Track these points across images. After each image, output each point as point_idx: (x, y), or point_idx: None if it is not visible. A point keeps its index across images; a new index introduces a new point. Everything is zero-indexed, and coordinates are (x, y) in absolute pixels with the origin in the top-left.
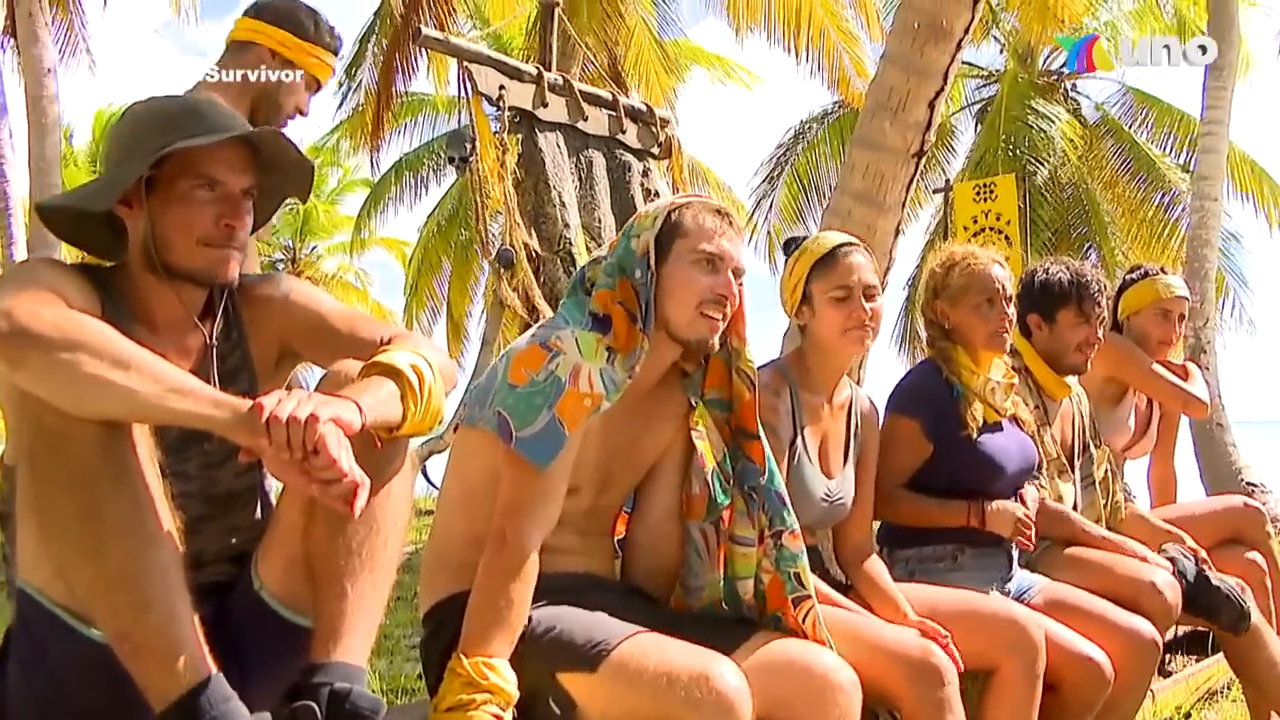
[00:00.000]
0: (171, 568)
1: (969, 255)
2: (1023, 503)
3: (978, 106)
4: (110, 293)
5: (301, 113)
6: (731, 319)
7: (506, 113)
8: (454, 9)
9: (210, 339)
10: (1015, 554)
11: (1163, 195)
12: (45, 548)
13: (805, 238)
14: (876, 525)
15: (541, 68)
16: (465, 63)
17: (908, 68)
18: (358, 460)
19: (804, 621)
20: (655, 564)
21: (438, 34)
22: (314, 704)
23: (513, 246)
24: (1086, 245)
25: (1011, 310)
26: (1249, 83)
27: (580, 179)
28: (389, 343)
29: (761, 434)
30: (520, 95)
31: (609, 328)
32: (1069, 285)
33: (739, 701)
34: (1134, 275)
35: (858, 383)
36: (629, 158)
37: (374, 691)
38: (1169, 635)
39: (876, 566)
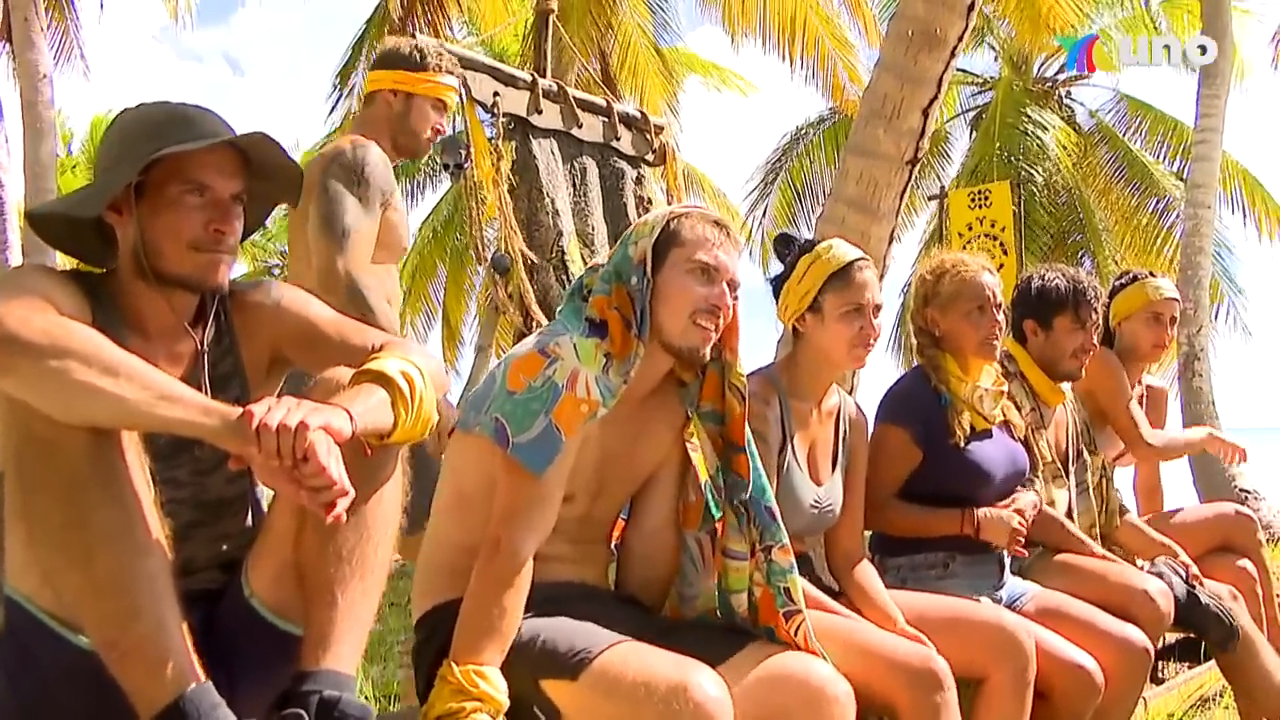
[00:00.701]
0: (160, 575)
1: (959, 263)
2: (1019, 509)
3: (972, 114)
4: (101, 299)
5: (439, 131)
6: (725, 332)
7: (501, 119)
8: (448, 15)
9: (201, 345)
10: (1007, 561)
11: (1157, 202)
12: (33, 555)
13: (796, 237)
14: (868, 533)
15: (536, 74)
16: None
17: (902, 75)
18: (348, 468)
19: (795, 634)
20: (650, 572)
21: (433, 41)
22: (303, 712)
23: (508, 253)
24: (1081, 252)
25: (1001, 317)
26: (1243, 90)
27: (574, 186)
28: (380, 350)
29: (750, 448)
30: (515, 102)
31: (605, 333)
32: (1065, 292)
33: (717, 712)
34: (1123, 280)
35: (851, 390)
36: (622, 165)
37: (365, 697)
38: (1161, 642)
39: (867, 573)
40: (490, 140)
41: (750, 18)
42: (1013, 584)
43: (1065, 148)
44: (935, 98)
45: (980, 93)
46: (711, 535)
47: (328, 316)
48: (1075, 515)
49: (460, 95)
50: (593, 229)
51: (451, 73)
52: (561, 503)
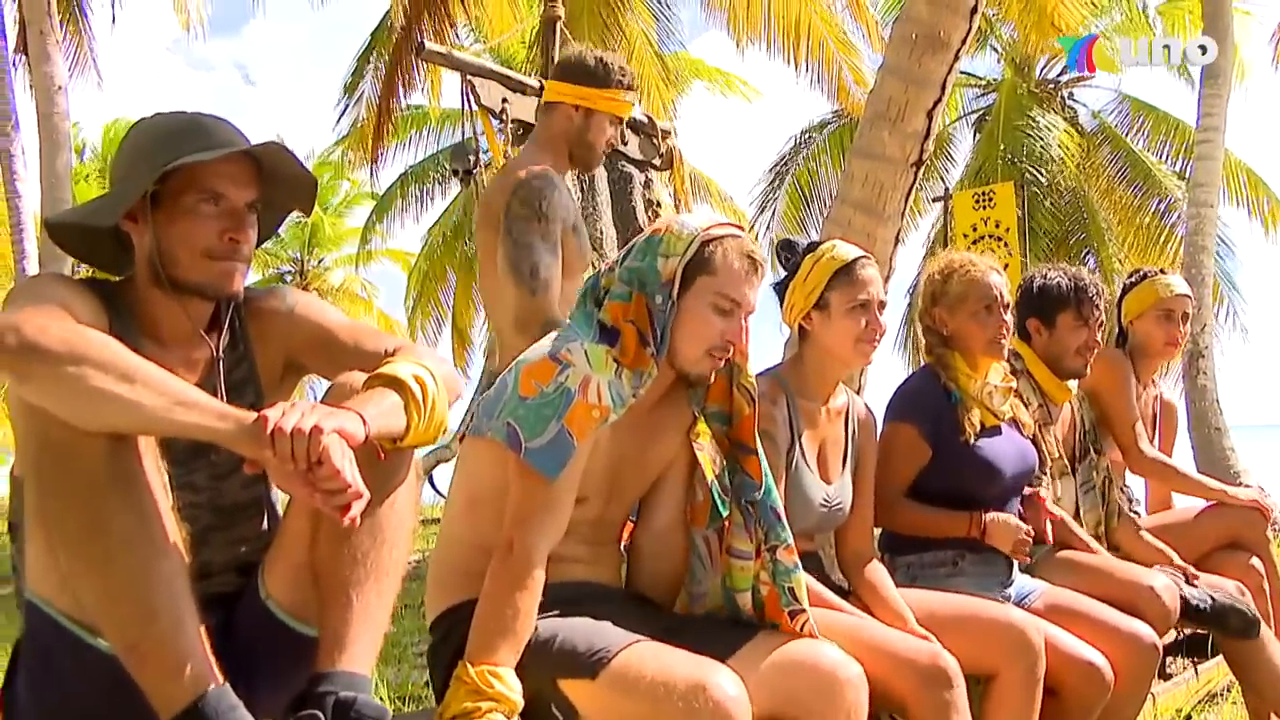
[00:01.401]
0: (177, 578)
1: (967, 263)
2: (1033, 504)
3: (975, 116)
4: (117, 307)
5: (613, 145)
6: None
7: (509, 126)
8: (454, 22)
9: (216, 352)
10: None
11: (1159, 202)
12: (52, 559)
13: (798, 243)
14: (877, 531)
15: (544, 80)
16: (468, 76)
17: (906, 78)
18: (362, 471)
19: (801, 631)
20: (660, 571)
21: (440, 48)
22: (319, 713)
23: None
24: (1085, 252)
25: (1009, 317)
26: (1244, 90)
27: (582, 190)
28: (393, 354)
29: (759, 449)
30: (523, 108)
31: (616, 340)
32: (1067, 290)
33: (736, 711)
34: (1133, 279)
35: (859, 390)
36: (630, 169)
37: (381, 699)
38: (1168, 638)
39: (878, 572)
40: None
41: (755, 23)
42: (1021, 581)
43: (1068, 149)
44: (939, 100)
45: (983, 95)
46: (719, 533)
47: (342, 322)
48: (1081, 514)
49: (470, 102)
50: (601, 233)
51: (632, 88)
52: (576, 505)
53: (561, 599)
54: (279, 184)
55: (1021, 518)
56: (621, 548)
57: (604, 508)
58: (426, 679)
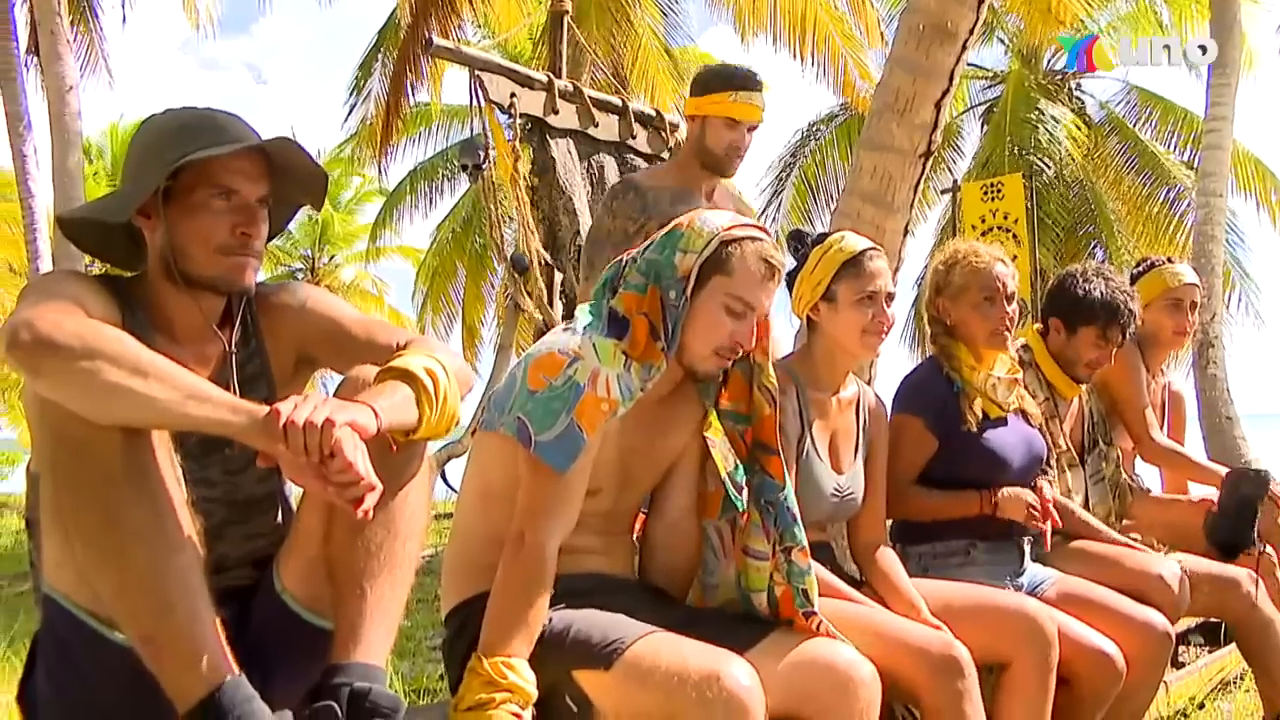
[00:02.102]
0: (192, 571)
1: (971, 253)
2: (1039, 495)
3: (983, 108)
4: (130, 302)
5: (737, 146)
6: (757, 335)
7: (518, 120)
8: (461, 18)
9: (229, 347)
10: (1027, 548)
11: (1168, 192)
12: (69, 553)
13: (808, 233)
14: (889, 522)
15: (552, 75)
16: (477, 71)
17: (913, 69)
18: (374, 464)
19: (816, 630)
20: (673, 562)
21: (449, 44)
22: (335, 704)
23: (526, 252)
24: (1093, 243)
25: (1013, 308)
26: (1252, 79)
27: (592, 184)
28: (405, 347)
29: (781, 450)
30: (531, 103)
31: (625, 332)
32: (1099, 309)
33: (750, 701)
34: (1141, 268)
35: (868, 381)
36: (639, 162)
37: (395, 692)
38: (1181, 626)
39: (890, 561)
40: (508, 141)
41: (760, 16)
42: (1033, 570)
43: (1076, 140)
44: (947, 91)
45: (990, 86)
46: (731, 524)
47: (353, 316)
48: (1091, 505)
49: (479, 97)
50: None
51: (745, 88)
52: (588, 497)
53: (575, 590)
54: (290, 179)
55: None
56: (634, 539)
57: (615, 499)
58: (441, 672)
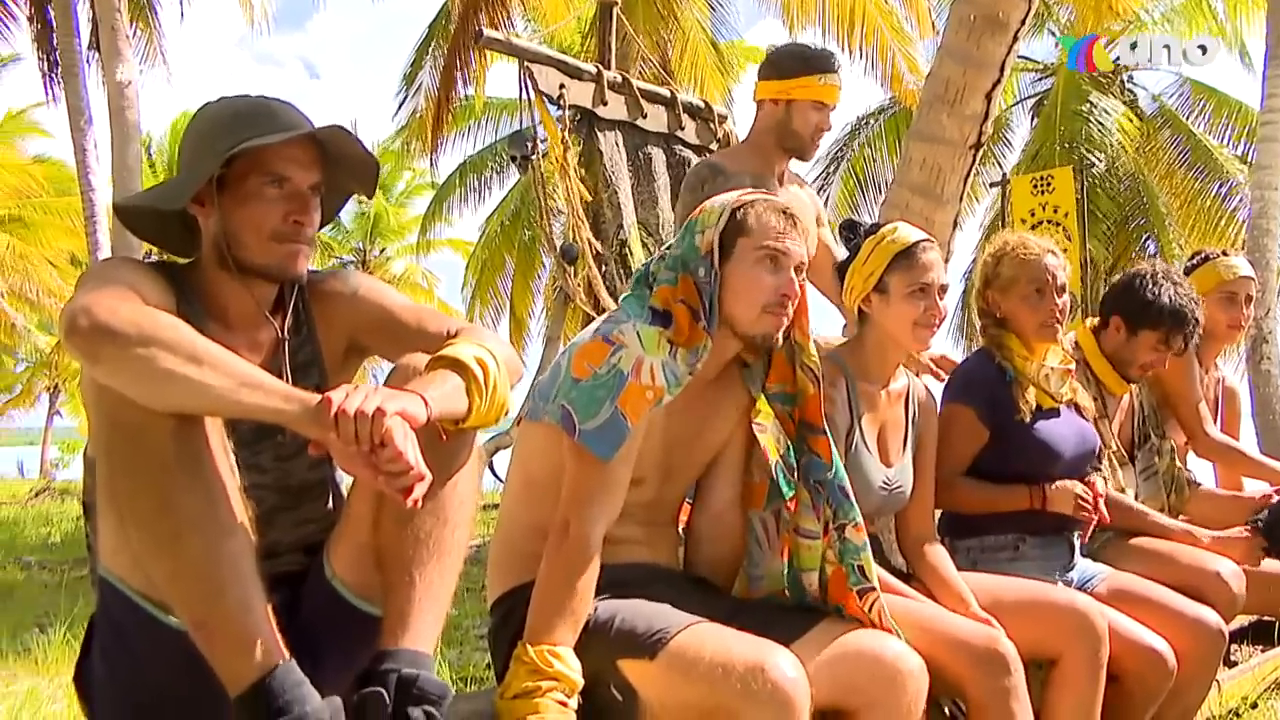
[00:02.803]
0: (244, 557)
1: (1020, 244)
2: (1091, 490)
3: (1033, 100)
4: (185, 289)
5: (823, 129)
6: (795, 314)
7: (567, 111)
8: (510, 11)
9: (281, 334)
10: (1077, 543)
11: (1221, 185)
12: (124, 538)
13: (860, 223)
14: (938, 514)
15: (600, 66)
16: (526, 63)
17: (964, 60)
18: (424, 453)
19: (870, 611)
20: (718, 553)
21: (499, 35)
22: (383, 690)
23: (575, 242)
24: (1145, 236)
25: (1063, 300)
26: None
27: (639, 175)
28: (455, 336)
29: (827, 429)
30: (580, 94)
31: (669, 323)
32: (1165, 314)
33: (795, 692)
34: (1194, 261)
35: (917, 374)
36: (688, 153)
37: (443, 680)
38: (1235, 625)
39: (939, 554)
40: (559, 132)
41: (809, 9)
42: (1084, 566)
43: (1127, 133)
44: (998, 82)
45: (1041, 79)
46: (776, 515)
47: (404, 304)
48: (1141, 501)
49: (528, 90)
50: (658, 217)
51: (829, 71)
52: (632, 486)
53: (619, 580)
54: (342, 166)
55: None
56: (679, 530)
57: (660, 489)
58: (488, 661)
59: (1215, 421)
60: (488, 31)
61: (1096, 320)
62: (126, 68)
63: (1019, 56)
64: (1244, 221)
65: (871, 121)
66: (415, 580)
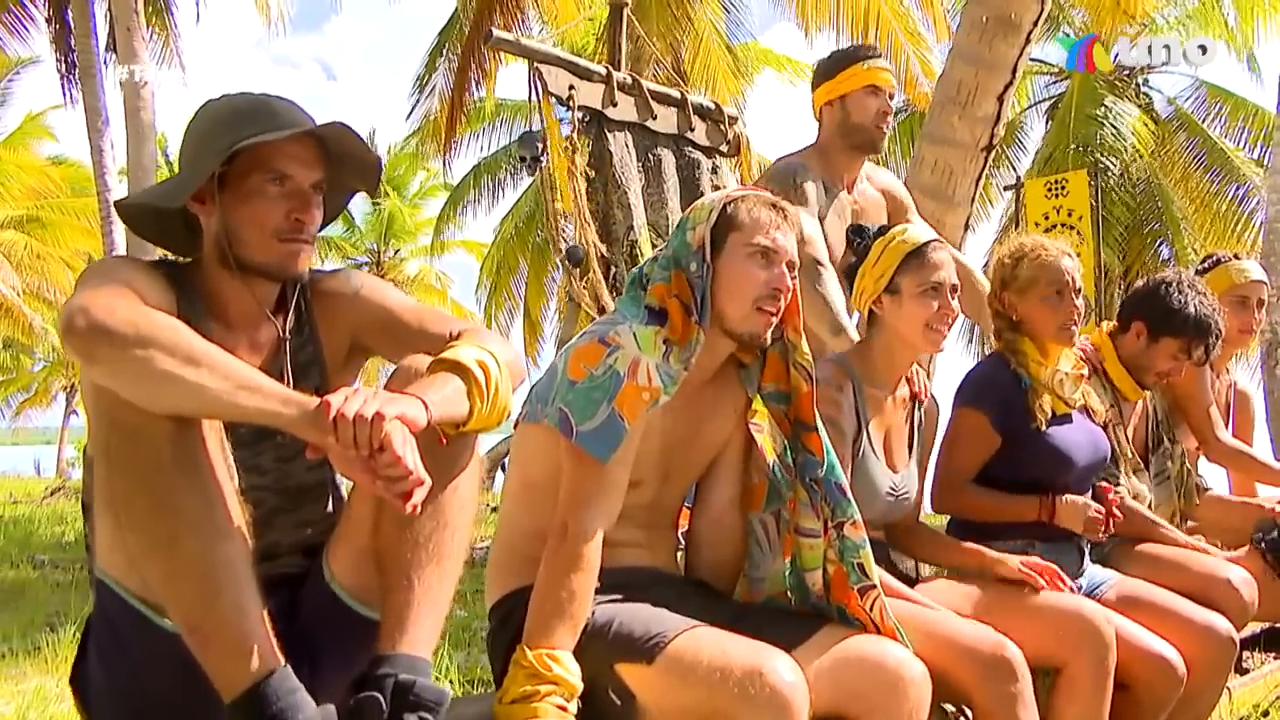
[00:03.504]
0: (240, 561)
1: (1038, 246)
2: (1104, 497)
3: (1047, 104)
4: (185, 288)
5: (887, 113)
6: (785, 312)
7: (576, 113)
8: (524, 13)
9: (283, 333)
10: (1087, 549)
11: (1237, 189)
12: (120, 539)
13: (868, 227)
14: (945, 520)
15: (610, 67)
16: (536, 63)
17: (976, 62)
18: (424, 457)
19: (870, 610)
20: (718, 556)
21: (508, 35)
22: (379, 695)
23: (582, 245)
24: (1159, 241)
25: (1080, 302)
26: None
27: (649, 177)
28: (458, 337)
29: (819, 426)
30: (590, 95)
31: (665, 320)
32: (1189, 324)
33: (793, 697)
34: (1206, 264)
35: (928, 377)
36: (698, 155)
37: (450, 682)
38: (1246, 632)
39: (930, 528)
40: (566, 135)
41: (823, 12)
42: (1093, 572)
43: (1142, 136)
44: (1010, 84)
45: (1055, 82)
46: (776, 516)
47: (407, 305)
48: (1155, 506)
49: (537, 91)
50: (668, 219)
51: (871, 57)
52: (630, 489)
53: (618, 584)
54: (344, 164)
55: None
56: (679, 535)
57: (658, 491)
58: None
59: (1227, 425)
60: (497, 32)
61: (1114, 325)
62: (142, 68)
63: (1033, 59)
64: (1261, 225)
65: None
66: (414, 584)
